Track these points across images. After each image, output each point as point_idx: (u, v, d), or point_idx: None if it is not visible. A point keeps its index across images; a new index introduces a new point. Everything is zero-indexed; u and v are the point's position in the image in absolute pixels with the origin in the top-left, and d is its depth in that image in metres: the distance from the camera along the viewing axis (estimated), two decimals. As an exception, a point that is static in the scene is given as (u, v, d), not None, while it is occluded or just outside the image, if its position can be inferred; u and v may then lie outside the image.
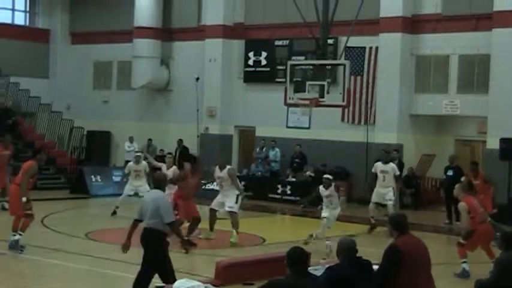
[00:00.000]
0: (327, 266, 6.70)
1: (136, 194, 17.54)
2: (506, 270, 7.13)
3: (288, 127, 23.84)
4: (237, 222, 13.92)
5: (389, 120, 21.69)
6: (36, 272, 11.56)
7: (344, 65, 18.08)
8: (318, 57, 18.83)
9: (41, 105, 27.15)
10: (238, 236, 13.81)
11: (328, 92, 17.49)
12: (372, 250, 12.82)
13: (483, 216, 11.47)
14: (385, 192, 16.09)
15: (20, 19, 29.40)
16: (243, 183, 14.17)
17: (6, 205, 16.95)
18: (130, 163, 17.82)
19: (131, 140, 25.27)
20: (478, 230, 11.36)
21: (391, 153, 17.40)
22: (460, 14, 20.83)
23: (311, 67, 19.05)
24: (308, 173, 21.80)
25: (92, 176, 22.39)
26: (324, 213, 14.05)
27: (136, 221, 8.88)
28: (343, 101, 17.55)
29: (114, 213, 17.60)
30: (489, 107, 19.75)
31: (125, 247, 8.96)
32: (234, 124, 25.49)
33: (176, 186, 14.32)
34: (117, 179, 22.84)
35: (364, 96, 22.34)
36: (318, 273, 6.43)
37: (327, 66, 18.88)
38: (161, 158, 19.60)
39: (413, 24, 21.75)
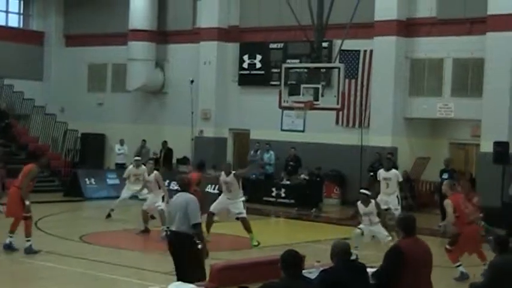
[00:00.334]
0: (321, 268, 6.70)
1: (135, 197, 17.46)
2: (500, 273, 7.15)
3: (282, 130, 23.86)
4: (250, 225, 13.95)
5: (384, 123, 21.73)
6: (30, 275, 11.55)
7: (339, 68, 18.11)
8: (312, 60, 18.86)
9: (35, 108, 27.09)
10: (254, 236, 13.86)
11: (322, 95, 17.52)
12: (368, 253, 12.89)
13: (470, 216, 11.41)
14: (389, 200, 15.81)
15: (14, 21, 29.35)
16: (240, 182, 14.17)
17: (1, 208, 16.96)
18: (130, 167, 17.68)
19: (122, 142, 25.24)
20: (463, 232, 11.31)
21: (393, 160, 17.34)
22: (455, 18, 20.88)
23: (306, 70, 19.07)
24: (302, 176, 21.82)
25: (86, 179, 22.34)
26: (361, 226, 13.12)
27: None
28: (338, 104, 17.58)
29: (109, 216, 17.56)
30: (483, 111, 19.80)
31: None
32: (228, 127, 25.49)
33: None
34: (111, 181, 22.82)
35: (358, 99, 22.38)
36: (312, 276, 6.43)
37: (322, 69, 18.90)
38: (156, 162, 19.71)
39: (407, 27, 21.81)
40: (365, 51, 22.10)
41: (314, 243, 14.58)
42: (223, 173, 14.30)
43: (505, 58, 19.27)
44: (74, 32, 29.19)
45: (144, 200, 15.96)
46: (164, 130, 26.40)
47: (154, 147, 25.56)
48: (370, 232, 13.08)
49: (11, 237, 12.69)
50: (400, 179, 16.32)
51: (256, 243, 13.78)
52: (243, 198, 14.15)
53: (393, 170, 16.32)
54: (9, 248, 12.68)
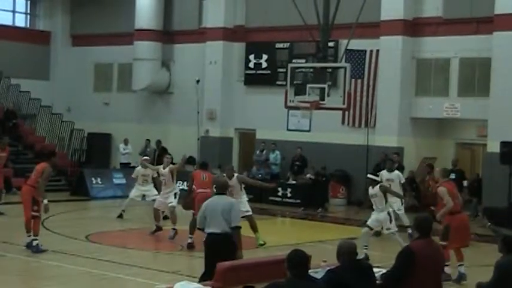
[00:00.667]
0: (327, 268, 6.69)
1: (143, 197, 17.44)
2: (507, 274, 7.12)
3: (288, 130, 23.85)
4: (256, 224, 13.98)
5: (390, 123, 21.68)
6: (36, 274, 11.58)
7: (345, 68, 18.09)
8: (318, 60, 18.85)
9: (41, 107, 27.14)
10: (260, 236, 13.89)
11: (328, 95, 17.50)
12: (372, 253, 12.88)
13: (459, 205, 11.30)
14: (393, 201, 15.60)
15: (20, 21, 29.42)
16: (242, 185, 14.14)
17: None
18: (138, 168, 17.61)
19: (126, 142, 25.28)
20: (452, 223, 11.21)
21: (395, 161, 17.31)
22: (461, 18, 20.83)
23: (311, 70, 19.06)
24: (308, 175, 21.80)
25: (93, 178, 22.38)
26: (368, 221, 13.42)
27: (201, 230, 8.84)
28: (344, 104, 17.56)
29: (121, 216, 17.53)
30: (490, 111, 19.75)
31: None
32: (234, 127, 25.49)
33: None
34: (117, 181, 22.87)
35: (364, 99, 22.34)
36: (318, 276, 6.42)
37: (328, 69, 18.88)
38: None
39: (414, 27, 21.76)
40: (371, 51, 22.06)
41: (320, 243, 14.57)
42: (225, 176, 14.24)
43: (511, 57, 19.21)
44: (80, 32, 29.24)
45: (153, 201, 15.93)
46: (170, 130, 26.43)
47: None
48: (377, 222, 13.18)
49: (29, 236, 12.72)
50: (403, 180, 16.32)
51: (262, 243, 13.78)
52: (247, 198, 14.12)
53: (395, 172, 16.32)
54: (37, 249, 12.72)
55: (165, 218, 15.77)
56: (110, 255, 12.65)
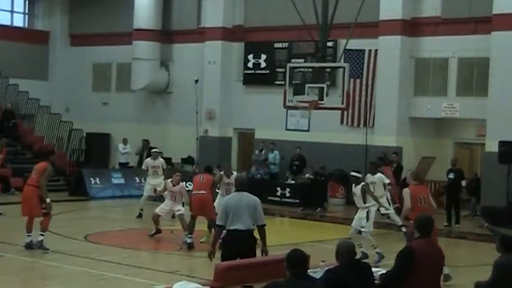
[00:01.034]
0: (326, 268, 6.69)
1: (154, 191, 17.24)
2: (505, 274, 7.13)
3: (287, 130, 23.86)
4: None
5: (389, 123, 21.69)
6: (35, 274, 11.57)
7: (343, 68, 18.11)
8: (317, 59, 18.87)
9: (40, 107, 27.12)
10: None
11: (327, 95, 17.52)
12: (371, 252, 12.89)
13: (425, 211, 11.21)
14: (382, 202, 15.87)
15: (19, 21, 29.40)
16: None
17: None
18: (148, 159, 17.60)
19: (125, 142, 25.27)
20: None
21: (378, 164, 17.37)
22: (460, 17, 20.84)
23: (310, 70, 19.09)
24: (307, 175, 21.80)
25: (91, 178, 22.37)
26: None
27: (220, 227, 8.73)
28: (343, 103, 17.58)
29: (140, 216, 17.35)
30: (488, 110, 19.76)
31: (211, 254, 8.92)
32: (233, 126, 25.50)
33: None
34: (116, 181, 22.87)
35: (363, 99, 22.35)
36: (317, 275, 6.42)
37: (327, 69, 18.90)
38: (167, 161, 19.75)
39: (412, 27, 21.77)
40: (370, 50, 22.08)
41: (319, 242, 14.59)
42: (224, 175, 14.26)
43: (510, 57, 19.21)
44: (79, 32, 29.23)
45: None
46: (169, 130, 26.43)
47: (159, 147, 25.54)
48: (358, 221, 13.33)
49: (29, 236, 12.74)
50: (386, 181, 16.32)
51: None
52: None
53: (378, 174, 16.28)
54: (30, 247, 12.73)
55: (172, 216, 15.50)
56: (109, 255, 12.65)
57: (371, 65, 22.18)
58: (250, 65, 24.83)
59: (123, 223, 17.29)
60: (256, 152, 23.73)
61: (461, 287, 11.21)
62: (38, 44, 29.11)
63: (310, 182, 21.44)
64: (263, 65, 24.55)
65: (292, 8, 19.08)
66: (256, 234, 8.76)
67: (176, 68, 26.75)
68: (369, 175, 16.31)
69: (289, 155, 22.98)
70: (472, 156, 22.53)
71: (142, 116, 27.29)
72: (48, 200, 12.68)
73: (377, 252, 12.80)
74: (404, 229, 15.35)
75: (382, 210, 15.72)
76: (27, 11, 29.62)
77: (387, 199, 16.23)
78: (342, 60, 20.04)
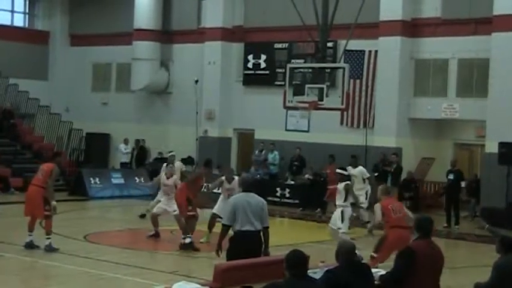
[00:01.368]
0: (326, 268, 6.69)
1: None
2: (505, 275, 7.13)
3: (287, 130, 23.86)
4: None
5: (388, 123, 21.69)
6: (34, 274, 11.57)
7: (343, 69, 18.12)
8: (317, 60, 18.88)
9: (40, 107, 27.13)
10: None
11: (327, 95, 17.52)
12: (370, 253, 12.86)
13: (400, 221, 11.23)
14: (357, 195, 16.28)
15: (19, 21, 29.40)
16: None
17: None
18: (165, 165, 17.06)
19: (126, 142, 25.25)
20: (389, 235, 11.14)
21: (357, 157, 17.67)
22: (460, 18, 20.84)
23: (310, 70, 19.10)
24: (307, 176, 21.79)
25: (91, 178, 22.37)
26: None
27: (227, 227, 8.72)
28: (342, 104, 17.58)
29: (143, 216, 17.15)
30: (488, 111, 19.75)
31: (218, 252, 8.92)
32: (233, 127, 25.50)
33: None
34: (115, 181, 22.87)
35: (363, 100, 22.35)
36: (317, 276, 6.42)
37: (326, 70, 18.90)
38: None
39: (412, 28, 21.77)
40: (370, 51, 22.08)
41: (318, 243, 14.57)
42: (225, 181, 14.13)
43: (510, 58, 19.21)
44: (79, 32, 29.23)
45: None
46: (169, 130, 26.43)
47: (158, 148, 25.58)
48: (333, 218, 13.43)
49: (30, 235, 12.74)
50: (366, 176, 16.81)
51: None
52: None
53: (359, 167, 16.95)
54: (31, 246, 12.73)
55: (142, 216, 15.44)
56: (108, 255, 12.65)
57: (371, 65, 22.18)
58: (250, 65, 24.84)
59: (123, 223, 17.28)
60: (256, 152, 23.74)
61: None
62: (38, 44, 29.11)
63: (310, 183, 21.44)
64: (263, 65, 24.55)
65: (292, 8, 19.08)
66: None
67: (176, 68, 26.75)
68: (350, 168, 16.60)
69: (288, 155, 22.99)
70: (472, 157, 22.52)
71: (142, 116, 27.29)
72: (54, 202, 12.70)
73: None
74: (369, 225, 15.55)
75: (359, 202, 16.17)
76: (27, 11, 29.62)
77: (366, 193, 16.50)
78: (342, 60, 20.04)
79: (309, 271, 6.02)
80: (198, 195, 14.35)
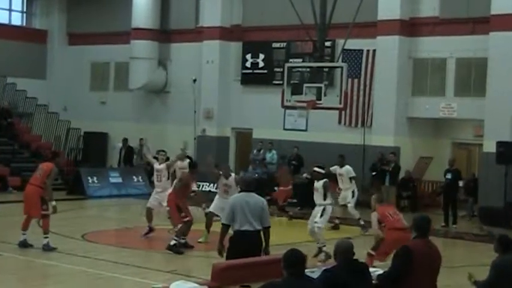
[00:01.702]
0: (324, 268, 6.70)
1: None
2: (502, 274, 7.14)
3: (285, 129, 23.85)
4: None
5: (387, 123, 21.70)
6: (32, 273, 11.56)
7: (341, 68, 18.10)
8: (315, 59, 18.85)
9: (37, 106, 27.11)
10: None
11: (325, 95, 17.51)
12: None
13: (398, 222, 11.18)
14: (344, 194, 16.81)
15: (17, 19, 29.36)
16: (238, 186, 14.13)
17: None
18: (178, 161, 17.00)
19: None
20: (387, 237, 11.13)
21: (344, 157, 17.64)
22: (458, 18, 20.86)
23: (308, 69, 19.06)
24: (305, 175, 21.73)
25: (89, 177, 22.36)
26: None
27: (226, 226, 8.72)
28: (340, 103, 17.58)
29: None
30: (486, 111, 19.76)
31: (221, 251, 8.91)
32: (231, 126, 25.50)
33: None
34: (113, 180, 22.86)
35: (361, 99, 22.36)
36: (315, 275, 6.43)
37: (324, 69, 18.88)
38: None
39: (410, 27, 21.78)
40: (368, 50, 22.09)
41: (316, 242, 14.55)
42: (222, 176, 14.20)
43: (508, 58, 19.22)
44: (77, 31, 29.20)
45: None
46: (167, 129, 26.41)
47: (157, 146, 25.51)
48: (312, 216, 13.43)
49: (24, 234, 12.74)
50: (351, 175, 16.89)
51: None
52: None
53: (346, 167, 16.96)
54: (24, 245, 12.72)
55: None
56: (106, 255, 12.65)
57: (369, 65, 22.19)
58: (248, 64, 24.83)
59: (121, 222, 17.28)
60: (254, 151, 23.73)
61: (458, 287, 11.21)
62: (35, 43, 29.08)
63: (308, 182, 21.41)
64: (261, 64, 24.55)
65: (290, 7, 19.07)
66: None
67: (174, 68, 26.74)
68: (337, 167, 16.68)
69: (287, 154, 22.97)
70: (470, 156, 22.54)
71: (140, 115, 27.28)
72: (53, 203, 12.73)
73: (324, 251, 12.79)
74: (362, 222, 15.81)
75: (341, 201, 16.53)
76: (25, 10, 29.57)
77: (352, 192, 16.73)
78: (340, 60, 20.04)
79: (307, 270, 6.03)
80: (185, 201, 14.11)
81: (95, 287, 10.81)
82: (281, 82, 19.81)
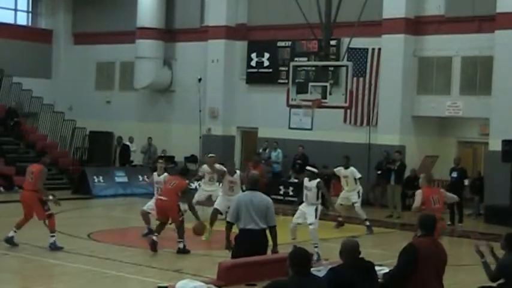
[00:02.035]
0: (329, 267, 6.70)
1: (209, 197, 15.85)
2: (508, 272, 7.14)
3: (290, 128, 23.84)
4: None
5: (392, 121, 21.68)
6: (38, 272, 11.58)
7: (347, 67, 18.10)
8: (320, 58, 18.85)
9: (43, 106, 27.15)
10: None
11: (330, 93, 17.51)
12: (374, 251, 12.88)
13: (437, 212, 11.24)
14: (349, 195, 16.69)
15: (22, 19, 29.43)
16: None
17: None
18: (205, 165, 16.63)
19: (131, 140, 25.27)
20: None
21: (349, 158, 17.56)
22: (463, 16, 20.83)
23: (313, 68, 19.05)
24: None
25: (94, 177, 22.39)
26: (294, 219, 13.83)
27: (230, 224, 8.74)
28: (346, 102, 17.57)
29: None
30: (491, 109, 19.74)
31: (229, 247, 8.94)
32: (236, 125, 25.51)
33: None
34: (119, 179, 22.89)
35: (366, 98, 22.35)
36: (321, 274, 6.43)
37: (330, 68, 18.88)
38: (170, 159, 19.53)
39: (416, 25, 21.75)
40: (373, 49, 22.07)
41: (322, 241, 14.55)
42: (227, 172, 14.29)
43: (513, 56, 19.20)
44: (82, 30, 29.25)
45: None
46: (172, 128, 26.45)
47: (162, 146, 25.60)
48: (302, 214, 13.43)
49: (14, 232, 12.79)
50: (357, 176, 16.79)
51: None
52: None
53: (350, 168, 16.84)
54: (9, 242, 12.75)
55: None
56: (112, 254, 12.67)
57: (374, 63, 22.17)
58: (253, 63, 24.84)
59: (126, 221, 17.29)
60: (260, 150, 23.73)
61: (464, 286, 11.19)
62: (41, 43, 29.15)
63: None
64: (266, 63, 24.55)
65: (296, 6, 19.07)
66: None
67: (179, 67, 26.76)
68: (341, 168, 16.63)
69: (292, 153, 22.99)
70: (476, 155, 22.51)
71: (146, 115, 27.32)
72: (51, 197, 12.78)
73: (317, 252, 12.76)
74: (367, 223, 15.84)
75: (341, 201, 16.53)
76: (30, 10, 29.65)
77: (358, 192, 16.68)
78: (345, 58, 20.03)
79: (312, 269, 6.03)
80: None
81: (101, 286, 10.82)
82: (286, 81, 19.81)
